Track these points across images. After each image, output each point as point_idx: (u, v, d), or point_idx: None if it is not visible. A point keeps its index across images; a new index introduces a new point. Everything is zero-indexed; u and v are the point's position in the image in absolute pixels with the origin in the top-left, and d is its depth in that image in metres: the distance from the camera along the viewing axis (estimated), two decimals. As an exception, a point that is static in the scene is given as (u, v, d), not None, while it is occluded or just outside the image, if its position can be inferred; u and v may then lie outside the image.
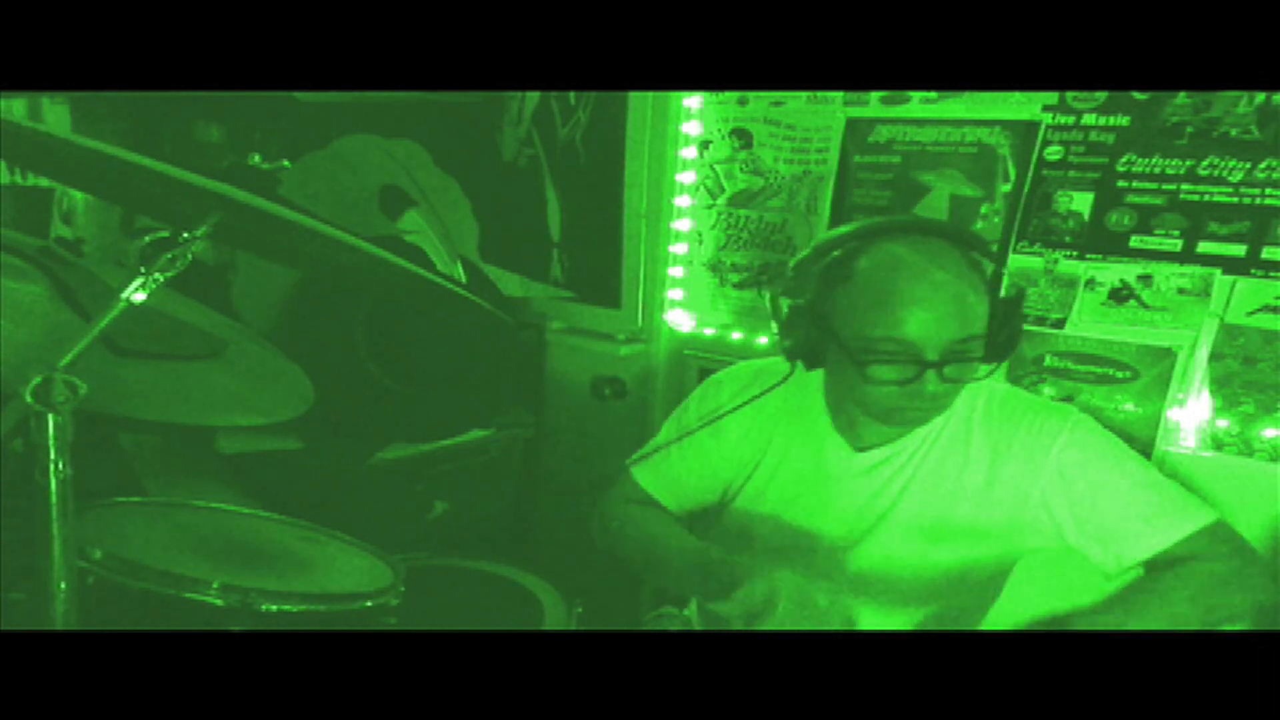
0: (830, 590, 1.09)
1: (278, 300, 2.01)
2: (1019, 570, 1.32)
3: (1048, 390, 1.63)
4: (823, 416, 1.30)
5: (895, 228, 1.15)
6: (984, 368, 1.16)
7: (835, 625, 1.06)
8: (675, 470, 1.38)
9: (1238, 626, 1.16)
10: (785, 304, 1.18)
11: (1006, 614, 1.35)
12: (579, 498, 1.43)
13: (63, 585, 0.84)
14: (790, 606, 1.05)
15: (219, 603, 1.06)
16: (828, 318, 1.15)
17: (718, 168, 1.99)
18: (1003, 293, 1.17)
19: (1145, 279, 1.53)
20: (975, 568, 1.26)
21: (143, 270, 0.85)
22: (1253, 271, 1.45)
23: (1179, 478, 1.49)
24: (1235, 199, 1.45)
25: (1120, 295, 1.56)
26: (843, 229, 1.18)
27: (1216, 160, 1.45)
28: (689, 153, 2.03)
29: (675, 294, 2.12)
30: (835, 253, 1.17)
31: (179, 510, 1.38)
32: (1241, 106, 1.42)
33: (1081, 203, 1.58)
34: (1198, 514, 1.18)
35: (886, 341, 1.09)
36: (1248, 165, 1.43)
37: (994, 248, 1.66)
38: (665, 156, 2.04)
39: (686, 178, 2.04)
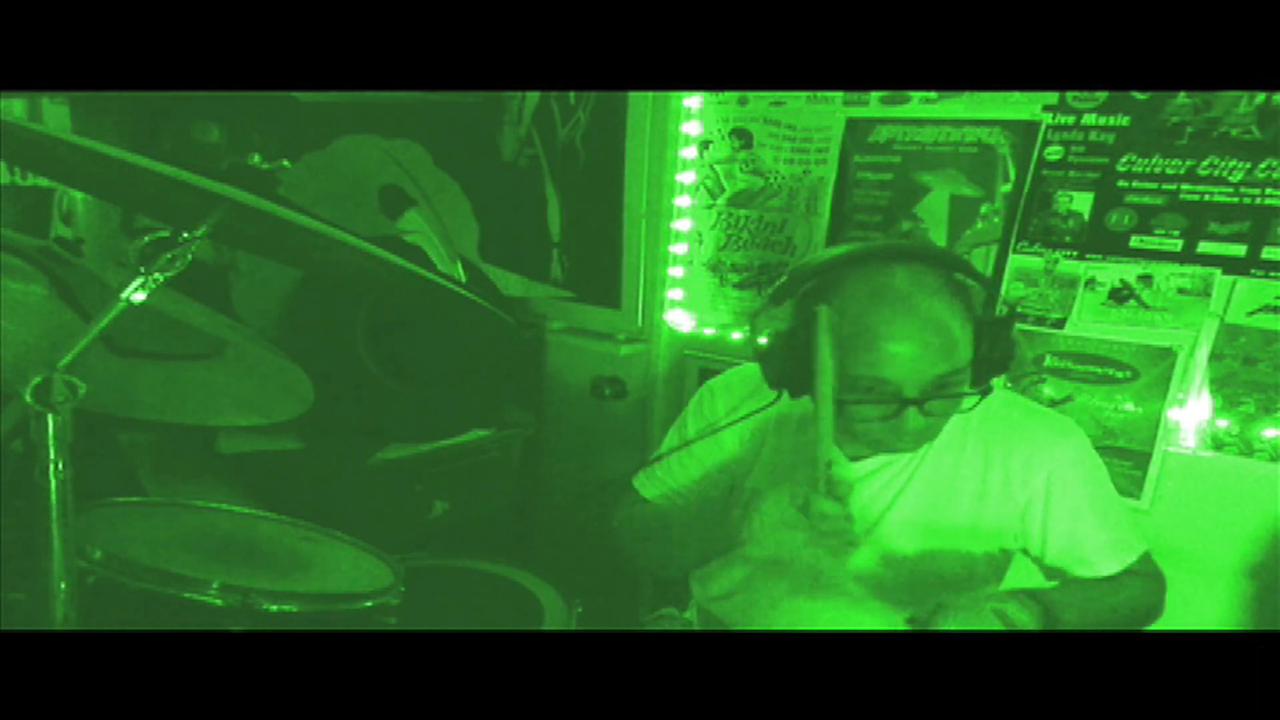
0: (826, 502, 1.07)
1: (278, 300, 2.01)
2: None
3: (1048, 390, 1.63)
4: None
5: (874, 255, 1.11)
6: (970, 400, 1.13)
7: (831, 534, 1.06)
8: (676, 481, 1.38)
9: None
10: (766, 333, 1.16)
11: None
12: (585, 501, 1.43)
13: (63, 585, 0.84)
14: (785, 511, 1.08)
15: (219, 603, 1.06)
16: (807, 352, 1.10)
17: (718, 168, 1.99)
18: (995, 312, 1.14)
19: (1145, 279, 1.53)
20: (969, 568, 1.27)
21: (143, 270, 0.85)
22: (1253, 271, 1.45)
23: (1174, 480, 1.51)
24: (1235, 199, 1.45)
25: (1120, 295, 1.56)
26: (820, 257, 1.14)
27: (1217, 160, 1.45)
28: (689, 153, 2.03)
29: (675, 294, 2.12)
30: (811, 282, 1.13)
31: (179, 510, 1.38)
32: (1241, 106, 1.42)
33: (1081, 203, 1.58)
34: (1139, 544, 1.23)
35: (865, 380, 1.07)
36: (1248, 165, 1.43)
37: (994, 248, 1.66)
38: (665, 156, 2.04)
39: (686, 178, 2.04)
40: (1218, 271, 1.48)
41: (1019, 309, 1.63)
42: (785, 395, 1.18)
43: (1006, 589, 1.31)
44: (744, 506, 1.16)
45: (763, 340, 1.15)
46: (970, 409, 1.13)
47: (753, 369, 1.37)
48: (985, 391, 1.12)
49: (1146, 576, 1.23)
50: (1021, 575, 1.30)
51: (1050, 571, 1.26)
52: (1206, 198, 1.47)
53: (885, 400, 1.08)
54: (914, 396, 1.06)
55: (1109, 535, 1.22)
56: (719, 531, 1.21)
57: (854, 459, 1.27)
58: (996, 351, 1.10)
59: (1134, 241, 1.54)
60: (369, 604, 1.17)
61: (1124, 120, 1.52)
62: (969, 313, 1.09)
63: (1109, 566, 1.21)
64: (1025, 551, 1.27)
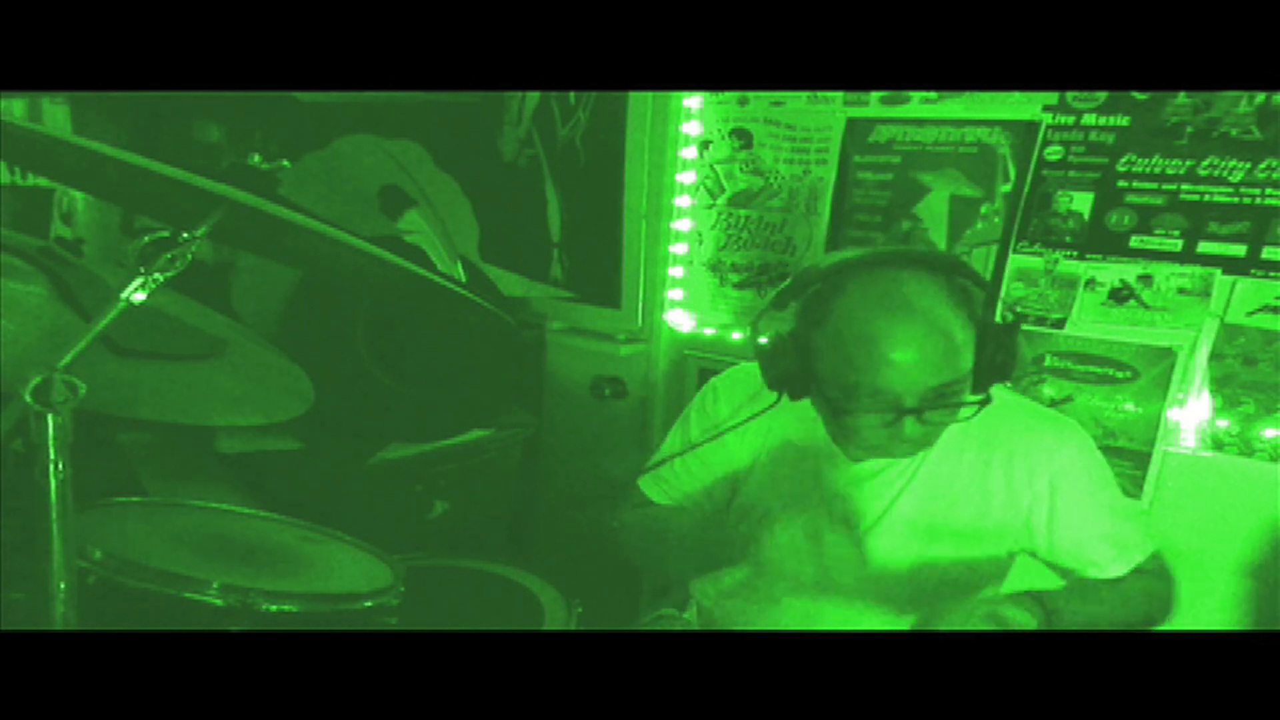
0: (838, 536, 1.09)
1: (278, 300, 2.01)
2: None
3: (1048, 390, 1.63)
4: (818, 426, 1.29)
5: (879, 261, 1.10)
6: (969, 409, 1.10)
7: (839, 572, 1.06)
8: (680, 482, 1.38)
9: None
10: (767, 335, 1.16)
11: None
12: (585, 501, 1.42)
13: (63, 585, 0.84)
14: (795, 539, 1.07)
15: (219, 603, 1.06)
16: (808, 356, 1.12)
17: (718, 168, 1.99)
18: (996, 318, 1.13)
19: (1145, 279, 1.53)
20: (971, 570, 1.26)
21: (143, 270, 0.85)
22: (1253, 271, 1.45)
23: (1174, 480, 1.51)
24: (1235, 199, 1.45)
25: (1120, 295, 1.56)
26: (825, 261, 1.13)
27: (1216, 160, 1.45)
28: (689, 153, 2.03)
29: (675, 294, 2.12)
30: (815, 286, 1.12)
31: (179, 510, 1.38)
32: (1241, 106, 1.42)
33: (1081, 203, 1.58)
34: (1147, 544, 1.23)
35: (862, 388, 1.06)
36: (1248, 165, 1.43)
37: (994, 248, 1.66)
38: (665, 156, 2.04)
39: (686, 178, 2.04)
40: (1218, 271, 1.48)
41: (1019, 309, 1.63)
42: (785, 398, 1.18)
43: (1007, 592, 1.31)
44: (752, 523, 1.16)
45: (764, 341, 1.15)
46: (969, 418, 1.11)
47: (756, 367, 1.37)
48: (985, 401, 1.10)
49: (1153, 575, 1.22)
50: (1024, 576, 1.30)
51: (1061, 572, 1.25)
52: (1206, 198, 1.47)
53: (884, 409, 1.07)
54: (912, 406, 1.06)
55: (1115, 537, 1.21)
56: (720, 546, 1.20)
57: (854, 460, 1.27)
58: (999, 358, 1.09)
59: (1134, 241, 1.54)
60: (369, 604, 1.17)
61: (1124, 120, 1.52)
62: (971, 319, 1.08)
63: (1116, 568, 1.21)
64: (1033, 554, 1.26)
